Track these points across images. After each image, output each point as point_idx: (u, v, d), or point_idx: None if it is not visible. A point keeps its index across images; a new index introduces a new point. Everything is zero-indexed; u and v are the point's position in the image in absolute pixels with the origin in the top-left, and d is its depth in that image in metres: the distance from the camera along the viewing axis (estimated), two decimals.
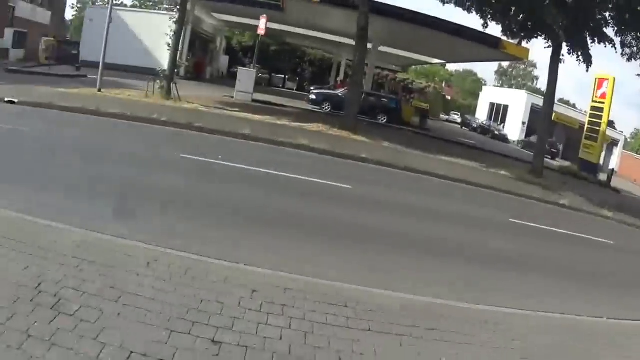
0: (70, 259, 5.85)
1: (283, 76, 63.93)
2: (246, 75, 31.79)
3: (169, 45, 25.80)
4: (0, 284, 5.04)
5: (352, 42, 30.83)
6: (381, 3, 29.89)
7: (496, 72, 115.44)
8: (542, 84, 78.84)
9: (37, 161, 11.10)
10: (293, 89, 59.82)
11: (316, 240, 9.15)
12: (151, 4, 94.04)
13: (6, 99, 18.12)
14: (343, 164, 17.12)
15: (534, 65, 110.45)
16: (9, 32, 44.04)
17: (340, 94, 35.59)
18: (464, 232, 12.06)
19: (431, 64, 63.69)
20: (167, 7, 61.30)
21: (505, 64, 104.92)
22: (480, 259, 10.26)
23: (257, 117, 22.87)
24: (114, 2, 25.41)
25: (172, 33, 25.60)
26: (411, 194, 15.54)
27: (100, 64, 23.86)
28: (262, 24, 28.90)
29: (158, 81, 24.92)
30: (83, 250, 6.15)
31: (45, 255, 5.84)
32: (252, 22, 42.40)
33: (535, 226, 14.63)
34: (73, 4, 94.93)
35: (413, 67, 77.55)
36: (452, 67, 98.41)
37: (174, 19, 26.62)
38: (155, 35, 36.30)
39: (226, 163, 13.44)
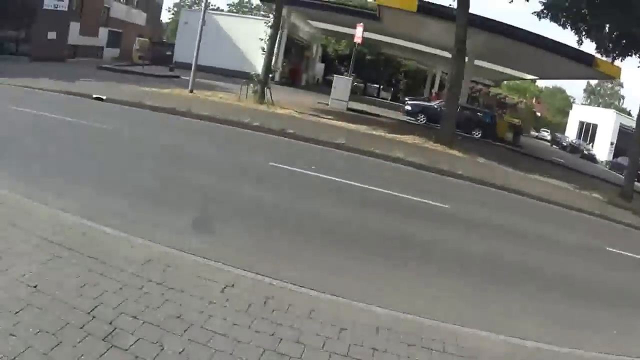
0: (134, 279, 5.25)
1: (377, 86, 64.24)
2: (342, 83, 31.47)
3: (263, 49, 25.93)
4: (50, 303, 4.50)
5: (448, 55, 30.25)
6: (479, 16, 28.76)
7: (585, 90, 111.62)
8: (629, 103, 74.99)
9: (112, 162, 10.89)
10: (387, 99, 59.91)
11: (413, 267, 8.17)
12: (247, 9, 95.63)
13: (94, 96, 18.29)
14: (439, 180, 16.06)
15: (621, 84, 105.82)
16: (103, 32, 46.16)
17: (435, 106, 34.89)
18: (561, 260, 10.71)
19: (523, 79, 61.37)
20: (263, 13, 62.22)
21: (593, 81, 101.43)
22: (581, 294, 8.94)
23: (352, 126, 22.20)
24: (210, 7, 25.60)
25: (267, 37, 25.48)
26: (507, 214, 14.23)
27: (193, 65, 24.28)
28: (359, 32, 28.69)
29: (252, 85, 24.73)
30: (151, 269, 5.55)
31: (107, 272, 5.27)
32: (348, 30, 42.77)
33: (636, 257, 12.99)
34: (169, 8, 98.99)
35: (504, 81, 75.44)
36: (541, 83, 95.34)
37: (269, 24, 26.66)
38: (250, 40, 37.07)
39: (319, 174, 12.67)
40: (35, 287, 4.71)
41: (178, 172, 10.88)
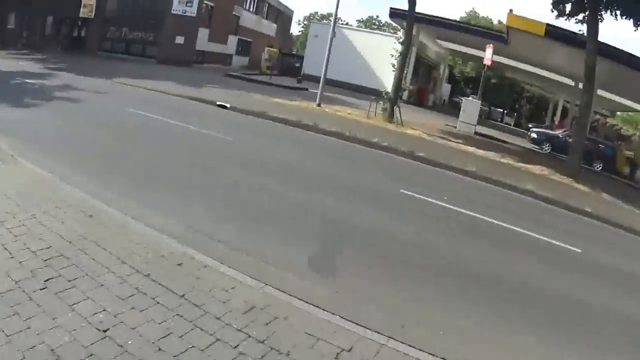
0: (230, 332, 4.26)
1: (501, 110, 63.39)
2: (470, 106, 30.32)
3: (393, 66, 25.14)
4: (119, 358, 3.60)
5: (571, 82, 28.12)
6: (609, 45, 26.70)
7: None
8: None
9: (228, 179, 10.18)
10: (510, 124, 58.14)
11: (548, 330, 6.62)
12: (376, 26, 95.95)
13: (218, 103, 18.08)
14: (569, 218, 14.20)
15: None
16: (232, 40, 47.53)
17: (560, 136, 33.52)
18: None
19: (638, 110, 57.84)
20: (392, 31, 62.09)
21: None
22: None
23: (480, 151, 20.80)
24: (340, 22, 25.30)
25: (398, 54, 24.63)
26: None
27: (321, 78, 23.96)
28: (488, 54, 27.59)
29: (381, 102, 23.92)
30: (253, 319, 4.56)
31: (199, 319, 4.35)
32: (475, 51, 42.36)
33: None
34: (299, 20, 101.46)
35: (617, 112, 71.35)
36: None
37: (400, 40, 26.14)
38: (379, 56, 36.76)
39: (451, 206, 11.35)
40: (105, 332, 3.90)
41: (300, 194, 9.96)
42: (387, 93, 24.94)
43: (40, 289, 4.43)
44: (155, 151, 11.31)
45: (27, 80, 21.20)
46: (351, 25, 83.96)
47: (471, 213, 11.09)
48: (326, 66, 24.16)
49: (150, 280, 4.83)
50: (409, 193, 11.55)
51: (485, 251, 9.03)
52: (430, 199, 11.39)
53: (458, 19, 41.44)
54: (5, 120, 12.88)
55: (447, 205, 11.22)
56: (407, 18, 25.33)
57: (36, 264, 4.88)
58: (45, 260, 4.98)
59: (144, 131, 13.35)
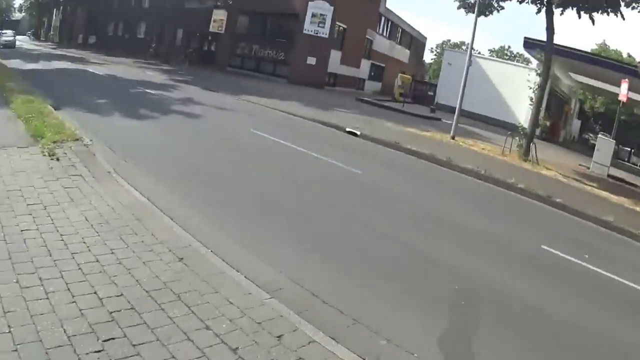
0: None
1: (629, 149, 59.12)
2: (605, 145, 28.08)
3: (531, 99, 23.44)
4: None
5: None
6: None
7: None
8: None
9: (347, 220, 8.94)
10: (637, 165, 53.76)
11: None
12: (507, 57, 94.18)
13: (347, 129, 17.42)
14: None
15: None
16: (365, 64, 47.34)
17: None
18: None
19: None
20: (525, 62, 60.45)
21: None
22: None
23: (614, 197, 18.74)
24: (472, 51, 24.12)
25: (536, 87, 23.03)
26: None
27: (457, 109, 22.92)
28: (624, 89, 25.35)
29: (517, 138, 22.42)
30: None
31: None
32: (606, 86, 40.25)
33: None
34: (432, 48, 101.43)
35: None
36: None
37: (538, 72, 24.59)
38: (511, 87, 36.01)
39: (593, 267, 9.60)
40: None
41: (428, 243, 8.59)
42: (523, 128, 23.42)
43: (95, 352, 3.63)
44: (273, 182, 10.42)
45: (147, 90, 21.55)
46: (483, 55, 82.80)
47: (616, 277, 9.31)
48: (462, 96, 23.07)
49: (236, 358, 3.79)
50: (551, 250, 9.95)
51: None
52: (569, 257, 9.73)
53: (589, 51, 39.34)
54: (113, 131, 12.67)
55: (588, 265, 9.52)
56: (546, 49, 23.78)
57: (99, 315, 4.11)
58: (112, 312, 4.16)
59: (264, 157, 12.58)
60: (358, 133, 17.53)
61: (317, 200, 9.87)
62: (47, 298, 4.24)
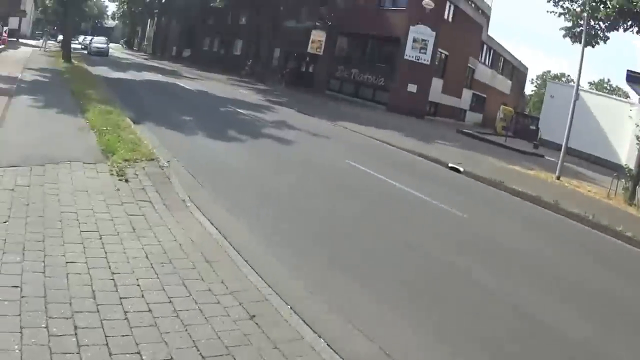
0: None
1: None
2: None
3: (637, 137, 22.51)
4: None
5: None
6: None
7: None
8: None
9: (448, 274, 7.88)
10: None
11: None
12: (606, 90, 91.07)
13: (450, 165, 17.34)
14: None
15: None
16: (467, 94, 46.57)
17: None
18: None
19: None
20: (625, 97, 57.96)
21: None
22: None
23: None
24: (572, 83, 23.51)
25: None
26: None
27: (563, 147, 22.12)
28: None
29: (622, 180, 21.75)
30: None
31: None
32: None
33: None
34: (532, 79, 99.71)
35: None
36: None
37: None
38: (612, 123, 34.89)
39: None
40: None
41: (533, 309, 7.31)
42: (629, 170, 22.63)
43: None
44: (366, 223, 9.64)
45: (239, 110, 21.83)
46: (582, 87, 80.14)
47: None
48: (568, 133, 22.28)
49: None
50: None
51: None
52: None
53: None
54: (195, 152, 12.47)
55: None
56: None
57: None
58: None
59: (358, 194, 11.81)
60: (461, 170, 17.40)
61: (424, 255, 8.51)
62: (79, 352, 3.71)
